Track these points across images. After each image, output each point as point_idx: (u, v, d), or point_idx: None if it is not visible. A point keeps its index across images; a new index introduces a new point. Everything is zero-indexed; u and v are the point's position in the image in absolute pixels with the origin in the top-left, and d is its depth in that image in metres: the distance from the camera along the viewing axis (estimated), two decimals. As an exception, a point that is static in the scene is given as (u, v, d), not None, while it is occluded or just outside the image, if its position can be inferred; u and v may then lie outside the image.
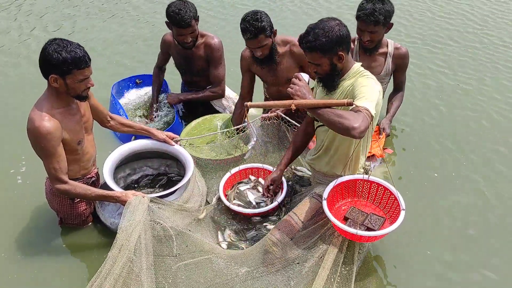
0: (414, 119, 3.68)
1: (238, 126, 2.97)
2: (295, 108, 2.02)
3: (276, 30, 2.79)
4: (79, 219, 2.59)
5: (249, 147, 2.98)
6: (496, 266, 2.49)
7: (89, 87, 2.24)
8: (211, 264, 2.29)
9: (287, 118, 2.88)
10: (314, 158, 2.49)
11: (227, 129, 3.00)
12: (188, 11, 2.93)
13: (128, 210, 2.19)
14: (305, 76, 2.19)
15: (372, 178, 2.30)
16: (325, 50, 2.03)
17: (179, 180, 2.57)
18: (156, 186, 2.83)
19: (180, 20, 2.92)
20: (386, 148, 3.21)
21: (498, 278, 2.43)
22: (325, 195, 2.24)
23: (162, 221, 2.28)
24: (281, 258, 2.24)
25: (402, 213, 2.13)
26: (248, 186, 2.74)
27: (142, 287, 2.05)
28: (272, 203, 2.55)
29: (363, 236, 2.11)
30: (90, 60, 2.17)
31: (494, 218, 2.79)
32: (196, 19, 3.04)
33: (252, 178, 2.79)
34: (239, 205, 2.60)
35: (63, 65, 2.08)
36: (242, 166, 2.79)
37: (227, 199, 2.63)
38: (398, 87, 3.25)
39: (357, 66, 2.18)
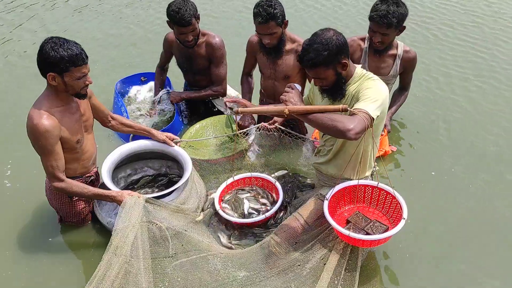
0: (415, 117, 3.67)
1: (240, 131, 2.95)
2: (288, 113, 2.01)
3: (287, 21, 2.78)
4: (78, 218, 2.61)
5: (250, 155, 2.98)
6: (496, 263, 2.48)
7: (87, 85, 2.25)
8: (207, 264, 2.27)
9: (287, 130, 2.89)
10: (322, 163, 2.47)
11: (227, 134, 2.97)
12: (188, 9, 2.92)
13: (124, 210, 2.19)
14: (298, 87, 2.20)
15: (381, 185, 2.27)
16: (328, 63, 2.03)
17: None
18: (156, 186, 2.83)
19: (181, 18, 2.92)
20: (390, 146, 3.22)
21: (498, 276, 2.42)
22: (328, 196, 2.23)
23: (158, 221, 2.27)
24: (283, 259, 2.22)
25: (402, 222, 2.08)
26: (248, 194, 2.73)
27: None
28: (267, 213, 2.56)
29: (356, 240, 2.08)
30: (87, 57, 2.18)
31: (493, 218, 2.77)
32: (197, 17, 3.03)
33: (259, 190, 2.77)
34: (228, 212, 2.60)
35: (60, 63, 2.09)
36: (244, 175, 2.80)
37: (222, 201, 2.64)
38: (403, 87, 3.26)
39: (359, 70, 2.18)
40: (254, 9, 2.72)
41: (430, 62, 4.45)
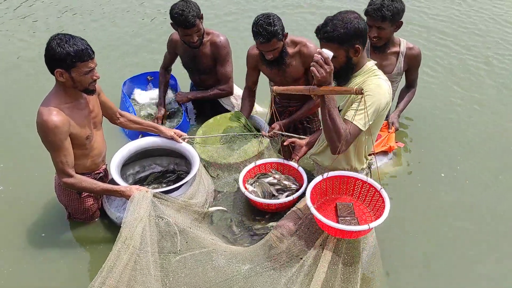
0: (424, 114, 3.68)
1: (256, 133, 2.93)
2: (314, 97, 2.03)
3: (287, 33, 2.77)
4: (86, 214, 2.64)
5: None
6: (498, 262, 2.50)
7: (95, 80, 2.27)
8: (211, 261, 2.27)
9: (286, 133, 2.87)
10: (317, 153, 2.47)
11: (244, 133, 2.94)
12: (191, 11, 2.93)
13: (132, 204, 2.21)
14: (329, 53, 1.92)
15: (370, 180, 2.21)
16: (343, 41, 2.00)
17: (188, 178, 2.58)
18: (164, 182, 2.85)
19: (184, 21, 2.94)
20: (397, 142, 3.21)
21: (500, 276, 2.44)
22: (325, 175, 2.21)
23: (166, 216, 2.28)
24: (285, 253, 2.20)
25: (376, 222, 2.00)
26: (270, 179, 2.66)
27: (150, 281, 2.06)
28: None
29: (322, 223, 2.05)
30: (93, 52, 2.20)
31: (498, 219, 2.77)
32: (200, 17, 3.05)
33: (282, 176, 2.69)
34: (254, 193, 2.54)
35: (66, 59, 2.12)
36: (265, 160, 2.72)
37: (246, 183, 2.60)
38: (410, 85, 3.25)
39: (370, 64, 2.15)
40: (253, 28, 2.66)
41: (440, 59, 4.47)
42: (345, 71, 2.11)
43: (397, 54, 2.98)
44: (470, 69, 4.34)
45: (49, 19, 5.58)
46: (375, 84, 2.06)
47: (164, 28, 5.10)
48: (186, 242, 2.30)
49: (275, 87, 2.11)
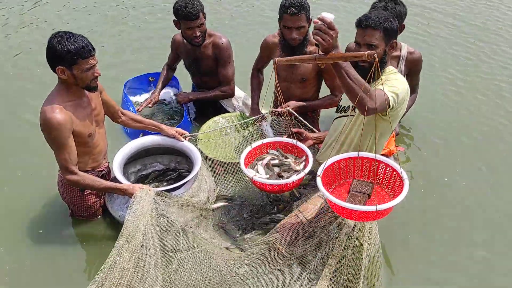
0: (424, 119, 3.68)
1: (252, 118, 2.92)
2: (323, 65, 2.05)
3: (312, 18, 2.74)
4: (89, 211, 2.65)
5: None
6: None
7: (96, 77, 2.30)
8: (210, 261, 2.28)
9: (298, 116, 2.81)
10: (324, 153, 2.48)
11: (241, 121, 2.92)
12: (195, 4, 2.97)
13: (135, 202, 2.22)
14: (331, 16, 1.80)
15: (379, 157, 2.08)
16: (387, 32, 2.06)
17: (189, 176, 2.59)
18: (165, 181, 2.87)
19: (188, 12, 2.95)
20: (398, 146, 3.21)
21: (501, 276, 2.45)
22: (320, 172, 2.08)
23: (168, 214, 2.30)
24: (283, 256, 2.21)
25: (406, 182, 1.90)
26: (276, 161, 2.51)
27: (151, 279, 2.07)
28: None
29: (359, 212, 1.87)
30: (94, 49, 2.23)
31: (498, 219, 2.79)
32: (204, 13, 3.07)
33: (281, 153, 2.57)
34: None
35: (67, 56, 2.15)
36: (266, 140, 2.59)
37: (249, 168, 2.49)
38: (411, 89, 3.22)
39: (391, 67, 2.23)
40: (284, 2, 2.69)
41: (441, 63, 4.49)
42: (380, 66, 2.07)
43: (397, 58, 2.96)
44: (469, 70, 4.37)
45: (51, 17, 5.63)
46: (400, 77, 2.15)
47: (165, 29, 5.12)
48: (186, 242, 2.32)
49: (277, 58, 2.04)
